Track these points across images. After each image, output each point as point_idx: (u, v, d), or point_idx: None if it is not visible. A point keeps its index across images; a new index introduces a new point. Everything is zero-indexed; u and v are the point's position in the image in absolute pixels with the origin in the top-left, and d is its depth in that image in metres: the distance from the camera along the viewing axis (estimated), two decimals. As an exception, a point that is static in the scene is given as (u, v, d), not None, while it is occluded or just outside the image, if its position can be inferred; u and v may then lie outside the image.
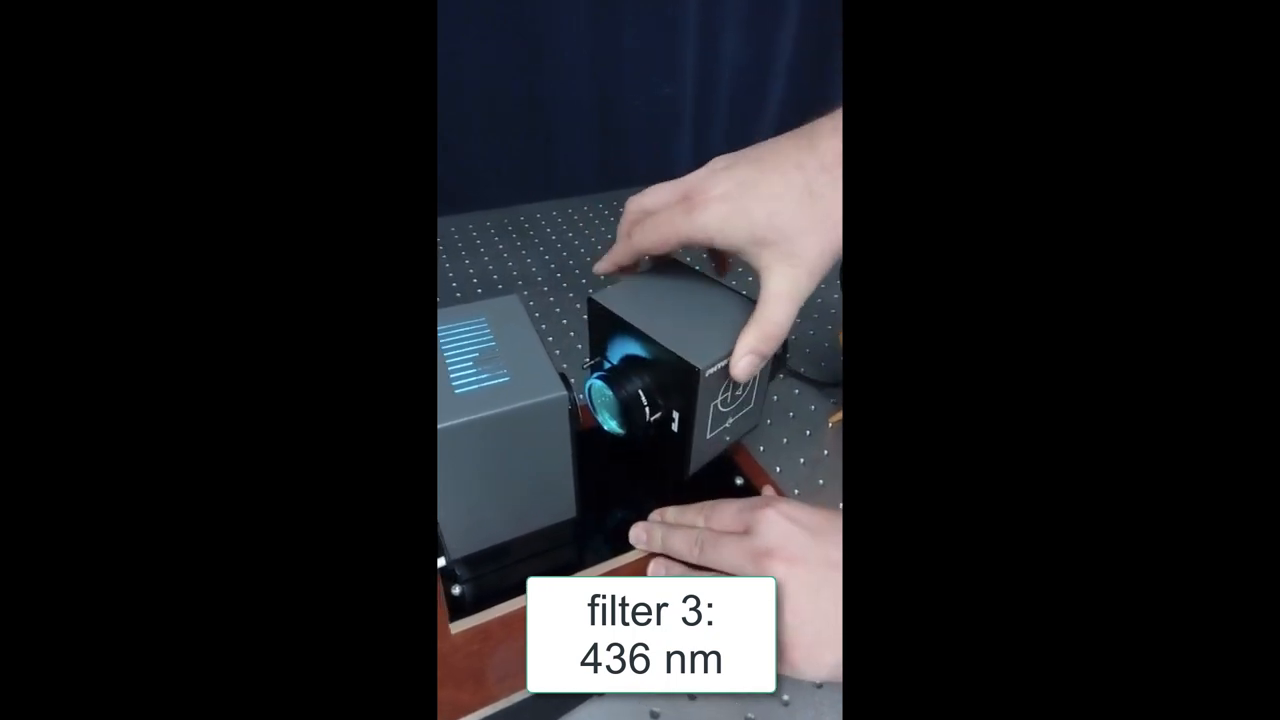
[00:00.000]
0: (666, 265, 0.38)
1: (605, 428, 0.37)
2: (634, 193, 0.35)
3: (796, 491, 0.44)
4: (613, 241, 0.36)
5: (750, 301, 0.34)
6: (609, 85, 0.96)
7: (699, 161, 0.33)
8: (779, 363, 0.49)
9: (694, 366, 0.30)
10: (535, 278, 0.65)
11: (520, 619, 0.33)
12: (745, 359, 0.31)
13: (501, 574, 0.35)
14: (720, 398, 0.33)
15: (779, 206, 0.29)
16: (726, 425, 0.36)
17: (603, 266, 0.37)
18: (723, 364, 0.31)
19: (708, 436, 0.35)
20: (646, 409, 0.33)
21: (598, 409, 0.37)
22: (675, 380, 0.32)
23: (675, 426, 0.34)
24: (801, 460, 0.46)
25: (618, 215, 0.77)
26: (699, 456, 0.36)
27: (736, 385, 0.34)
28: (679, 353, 0.31)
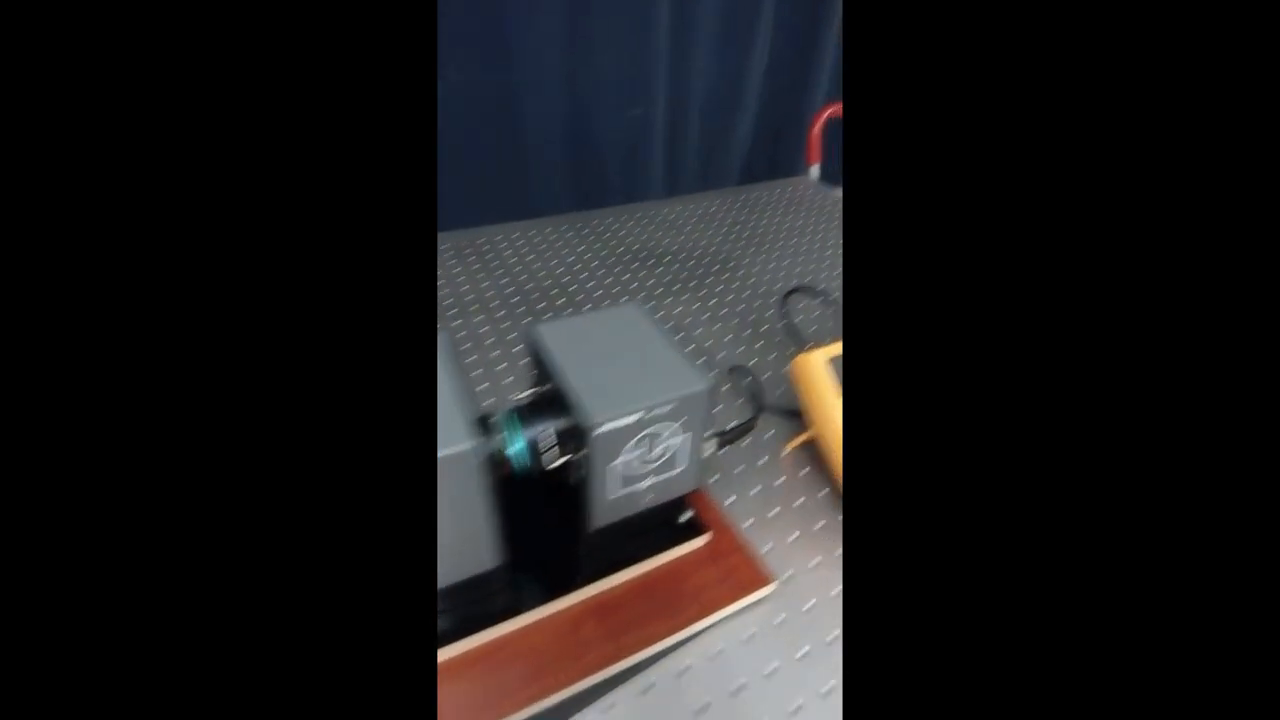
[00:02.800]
0: (628, 313, 0.37)
1: (515, 464, 0.35)
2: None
3: (750, 522, 0.43)
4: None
5: (694, 370, 0.32)
6: (580, 105, 0.95)
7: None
8: (745, 427, 0.48)
9: (589, 420, 0.29)
10: (490, 303, 0.64)
11: (458, 665, 0.33)
12: None
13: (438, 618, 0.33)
14: (624, 459, 0.32)
15: None
16: (642, 486, 0.34)
17: None
18: (625, 423, 0.30)
19: (615, 495, 0.33)
20: (555, 449, 0.32)
21: (511, 443, 0.36)
22: (577, 430, 0.30)
23: (580, 476, 0.32)
24: (756, 488, 0.45)
25: (588, 237, 0.76)
26: (606, 512, 0.34)
27: (652, 447, 0.32)
28: (580, 402, 0.30)
